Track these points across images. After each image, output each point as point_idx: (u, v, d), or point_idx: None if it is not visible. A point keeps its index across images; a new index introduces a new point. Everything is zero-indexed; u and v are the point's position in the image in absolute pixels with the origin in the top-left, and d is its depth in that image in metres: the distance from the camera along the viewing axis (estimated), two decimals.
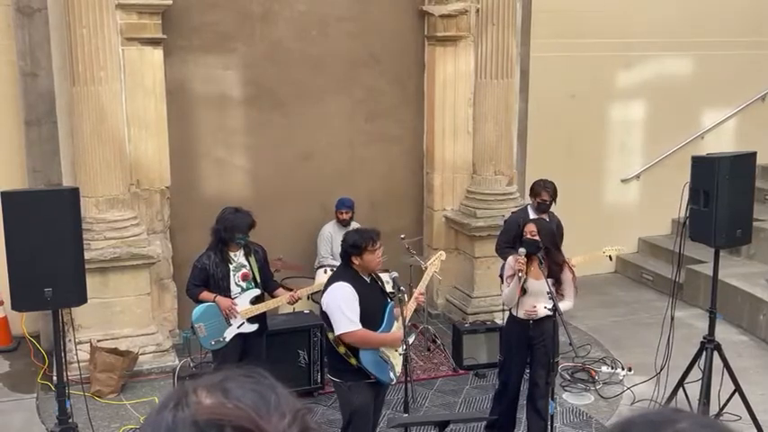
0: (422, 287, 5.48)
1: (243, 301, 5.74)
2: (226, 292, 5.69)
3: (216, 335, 5.71)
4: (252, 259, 5.77)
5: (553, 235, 5.67)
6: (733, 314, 8.19)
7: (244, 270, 5.75)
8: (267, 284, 5.92)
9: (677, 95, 10.06)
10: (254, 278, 5.78)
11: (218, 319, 5.69)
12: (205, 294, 5.67)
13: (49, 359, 6.98)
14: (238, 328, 5.72)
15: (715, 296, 6.05)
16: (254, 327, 5.77)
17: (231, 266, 5.71)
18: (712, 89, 10.26)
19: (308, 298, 7.31)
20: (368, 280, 4.99)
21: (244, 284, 5.76)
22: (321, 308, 5.07)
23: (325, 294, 4.96)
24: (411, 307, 5.29)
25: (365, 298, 4.90)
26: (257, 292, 5.79)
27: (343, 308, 4.83)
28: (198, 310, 5.73)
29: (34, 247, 4.70)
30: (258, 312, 5.77)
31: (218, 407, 0.95)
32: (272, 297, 5.90)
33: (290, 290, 6.04)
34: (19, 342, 7.73)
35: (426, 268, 5.79)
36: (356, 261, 4.91)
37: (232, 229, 5.61)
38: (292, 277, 7.53)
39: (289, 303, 5.99)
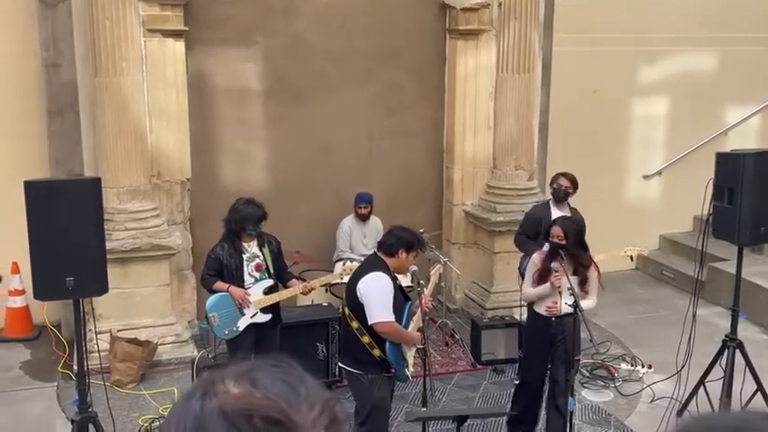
0: (428, 294, 5.44)
1: (256, 292, 5.76)
2: (239, 283, 5.73)
3: (229, 324, 5.74)
4: (265, 250, 5.80)
5: (581, 234, 5.56)
6: (755, 313, 8.11)
7: (257, 260, 5.78)
8: (281, 275, 5.95)
9: (701, 91, 9.95)
10: (268, 269, 5.81)
11: (231, 308, 5.72)
12: (219, 284, 5.71)
13: (70, 348, 7.04)
14: (252, 318, 5.75)
15: (738, 294, 5.98)
16: (267, 317, 5.80)
17: (245, 257, 5.75)
18: (736, 85, 10.13)
19: (327, 290, 7.32)
20: (393, 277, 5.01)
21: (257, 275, 5.78)
22: (350, 295, 5.03)
23: (362, 281, 4.92)
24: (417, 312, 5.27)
25: (394, 294, 4.94)
26: (270, 282, 5.82)
27: (382, 297, 4.86)
28: (212, 299, 5.77)
29: (56, 237, 4.72)
30: (271, 302, 5.80)
31: (247, 396, 0.94)
32: (286, 288, 5.92)
33: (305, 281, 6.04)
34: (40, 331, 7.80)
35: (428, 278, 5.74)
36: (401, 256, 4.95)
37: (243, 220, 5.65)
38: (310, 270, 7.52)
39: (302, 294, 6.01)
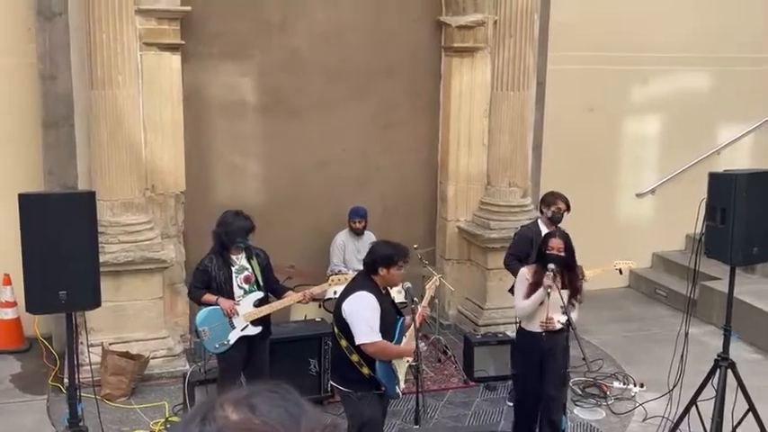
0: (424, 304, 5.43)
1: (246, 304, 5.76)
2: (229, 295, 5.73)
3: (220, 338, 5.73)
4: (254, 262, 5.81)
5: (573, 250, 5.61)
6: (747, 332, 8.12)
7: (246, 273, 5.79)
8: (273, 288, 5.95)
9: (694, 110, 10.01)
10: (257, 281, 5.82)
11: (221, 321, 5.71)
12: (208, 296, 5.72)
13: (61, 361, 7.00)
14: (242, 330, 5.74)
15: (730, 314, 5.99)
16: (257, 329, 5.80)
17: (234, 269, 5.76)
18: (729, 105, 10.20)
19: (320, 306, 7.31)
20: (383, 293, 4.99)
21: (246, 287, 5.79)
22: (337, 314, 5.04)
23: (347, 302, 4.91)
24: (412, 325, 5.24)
25: (383, 311, 4.90)
26: (260, 294, 5.82)
27: (366, 317, 4.82)
28: (202, 313, 5.76)
29: (49, 250, 4.71)
30: (263, 314, 5.80)
31: (246, 423, 0.94)
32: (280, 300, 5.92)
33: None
34: (31, 343, 7.76)
35: (425, 291, 5.73)
36: (382, 273, 4.90)
37: (232, 233, 5.67)
38: (304, 284, 7.50)
39: (301, 302, 5.99)
